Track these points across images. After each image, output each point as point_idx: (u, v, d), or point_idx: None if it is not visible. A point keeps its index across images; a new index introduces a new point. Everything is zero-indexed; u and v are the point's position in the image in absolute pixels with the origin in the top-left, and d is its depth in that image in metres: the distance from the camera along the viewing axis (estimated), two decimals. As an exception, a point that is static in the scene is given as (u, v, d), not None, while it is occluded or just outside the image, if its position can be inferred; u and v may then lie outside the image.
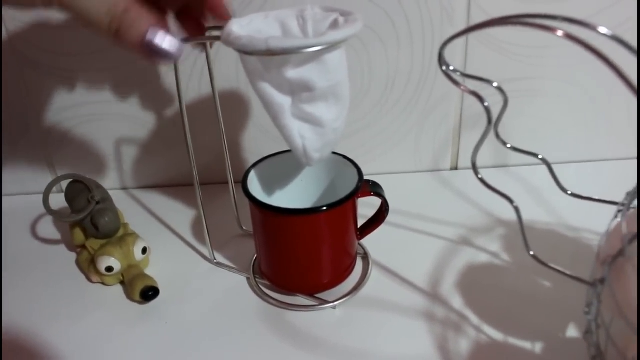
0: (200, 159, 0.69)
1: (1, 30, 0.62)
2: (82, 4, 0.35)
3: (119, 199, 0.69)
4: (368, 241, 0.56)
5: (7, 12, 0.61)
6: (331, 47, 0.39)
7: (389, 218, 0.53)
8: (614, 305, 0.36)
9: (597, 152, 0.72)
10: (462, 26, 0.62)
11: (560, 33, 0.30)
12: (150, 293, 0.52)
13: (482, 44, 0.64)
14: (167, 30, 0.37)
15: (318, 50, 0.38)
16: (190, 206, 0.68)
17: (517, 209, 0.39)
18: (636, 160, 0.73)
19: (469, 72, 0.65)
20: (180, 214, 0.67)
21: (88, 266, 0.56)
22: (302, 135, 0.44)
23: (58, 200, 0.60)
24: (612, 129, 0.71)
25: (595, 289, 0.37)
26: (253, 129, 0.69)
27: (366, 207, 0.54)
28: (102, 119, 0.68)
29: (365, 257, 0.56)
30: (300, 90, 0.42)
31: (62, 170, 0.72)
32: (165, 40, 0.37)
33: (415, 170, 0.73)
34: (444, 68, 0.38)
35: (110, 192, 0.59)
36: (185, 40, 0.44)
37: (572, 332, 0.47)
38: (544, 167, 0.49)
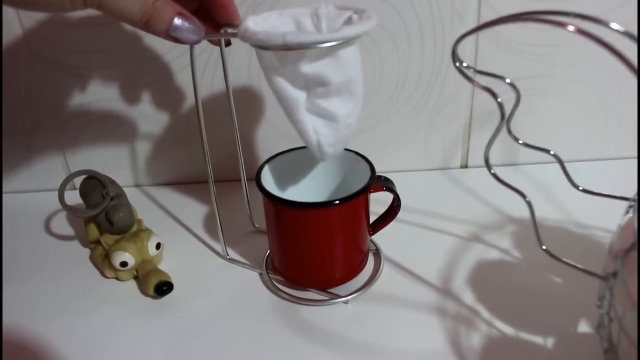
0: (212, 157, 0.69)
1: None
2: (118, 4, 0.39)
3: (133, 196, 0.70)
4: (379, 237, 0.56)
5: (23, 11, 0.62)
6: (346, 42, 0.40)
7: (400, 215, 0.54)
8: (626, 298, 0.36)
9: (606, 150, 0.73)
10: (472, 25, 0.62)
11: (571, 28, 0.30)
12: (164, 288, 0.52)
13: (492, 43, 0.64)
14: (189, 16, 0.41)
15: (333, 46, 0.39)
16: (203, 203, 0.69)
17: (529, 204, 0.39)
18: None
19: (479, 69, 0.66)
20: (194, 211, 0.67)
21: (102, 261, 0.56)
22: (317, 130, 0.45)
23: (72, 197, 0.61)
24: (621, 127, 0.71)
25: (607, 283, 0.37)
26: (265, 126, 0.69)
27: (377, 204, 0.54)
28: (116, 116, 0.69)
29: (377, 253, 0.57)
30: (315, 85, 0.42)
31: (75, 167, 0.72)
32: (187, 26, 0.41)
33: (425, 168, 0.73)
34: (457, 64, 0.38)
35: (124, 189, 0.60)
36: (203, 38, 0.45)
37: (584, 327, 0.47)
38: (553, 165, 0.49)
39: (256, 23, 0.43)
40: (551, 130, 0.71)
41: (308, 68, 0.41)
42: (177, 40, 0.41)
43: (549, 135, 0.71)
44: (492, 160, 0.70)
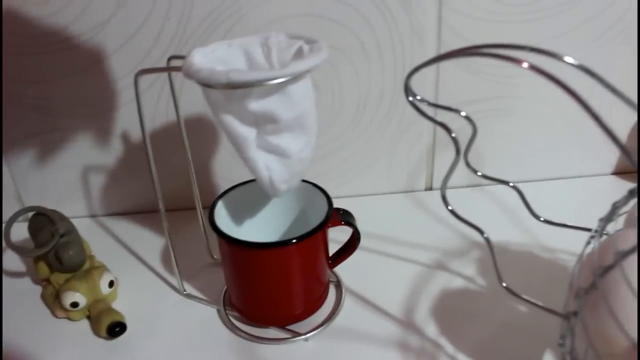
0: (170, 184, 0.68)
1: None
2: None
3: (87, 228, 0.68)
4: (341, 267, 0.54)
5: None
6: (295, 78, 0.38)
7: (362, 242, 0.53)
8: (587, 338, 0.35)
9: (571, 169, 0.72)
10: (432, 46, 0.62)
11: (525, 65, 0.29)
12: (117, 329, 0.50)
13: (454, 65, 0.63)
14: None
15: (281, 82, 0.37)
16: (160, 234, 0.66)
17: (487, 240, 0.38)
18: (612, 176, 0.73)
19: (441, 92, 0.65)
20: (150, 243, 0.65)
21: (53, 301, 0.54)
22: (268, 166, 0.43)
23: (23, 230, 0.58)
24: (586, 145, 0.70)
25: (568, 322, 0.36)
26: (224, 153, 0.67)
27: (339, 231, 0.52)
28: (67, 146, 0.66)
29: (338, 284, 0.55)
30: (264, 122, 0.41)
31: (29, 199, 0.70)
32: None
33: (389, 191, 0.72)
34: (410, 99, 0.37)
35: (79, 220, 0.58)
36: (145, 72, 0.43)
37: (549, 358, 0.46)
38: (520, 185, 0.48)
39: (203, 55, 0.41)
40: (516, 150, 0.70)
41: (256, 105, 0.39)
42: None
43: (513, 155, 0.70)
44: (455, 183, 0.70)
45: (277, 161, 0.43)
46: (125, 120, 0.65)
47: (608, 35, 0.63)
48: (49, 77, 0.62)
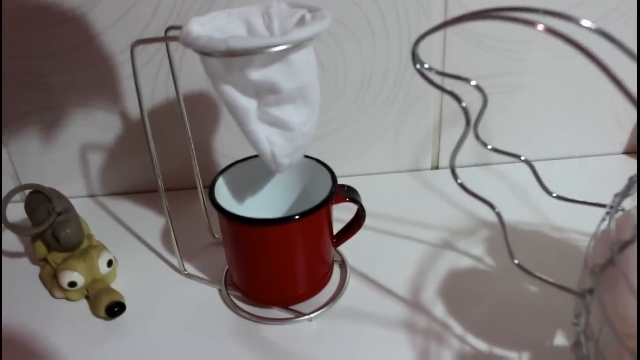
0: (170, 164, 0.66)
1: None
2: None
3: (86, 208, 0.66)
4: (345, 247, 0.53)
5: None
6: (297, 46, 0.36)
7: (368, 222, 0.51)
8: (604, 317, 0.33)
9: (582, 148, 0.70)
10: (439, 20, 0.60)
11: (541, 27, 0.27)
12: (116, 309, 0.49)
13: (462, 39, 0.61)
14: None
15: (283, 50, 0.36)
16: (160, 214, 0.65)
17: (499, 215, 0.37)
18: (622, 156, 0.71)
19: (448, 68, 0.63)
20: (151, 222, 0.63)
21: (51, 281, 0.53)
22: (270, 140, 0.41)
23: (22, 210, 0.57)
24: (596, 124, 0.69)
25: (584, 300, 0.35)
26: (224, 131, 0.66)
27: (344, 210, 0.51)
28: (65, 124, 0.65)
29: (343, 264, 0.54)
30: (265, 93, 0.39)
31: (26, 179, 0.68)
32: None
33: (395, 170, 0.70)
34: (418, 67, 0.35)
35: (78, 200, 0.57)
36: (142, 42, 0.42)
37: (561, 340, 0.45)
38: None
39: (202, 25, 0.39)
40: (525, 129, 0.68)
41: (257, 75, 0.37)
42: None
43: (522, 133, 0.68)
44: (463, 162, 0.68)
45: (279, 134, 0.41)
46: (125, 97, 0.64)
47: (613, 14, 0.61)
48: (46, 53, 0.60)
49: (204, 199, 0.56)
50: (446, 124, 0.67)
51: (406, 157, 0.69)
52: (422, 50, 0.34)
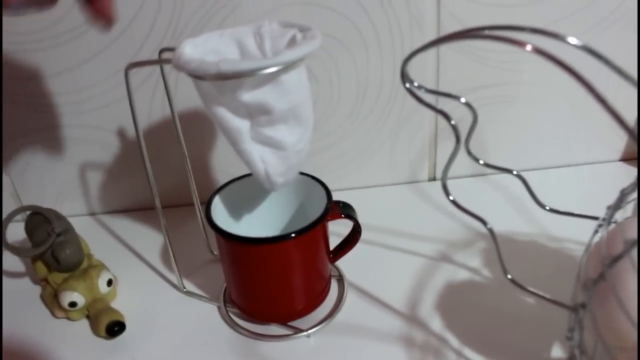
0: (168, 181, 0.67)
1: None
2: None
3: (86, 226, 0.67)
4: (343, 261, 0.53)
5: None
6: (287, 67, 0.37)
7: (365, 235, 0.51)
8: (595, 330, 0.34)
9: (578, 156, 0.71)
10: (432, 32, 0.60)
11: (529, 48, 0.28)
12: (115, 328, 0.49)
13: (456, 51, 0.62)
14: None
15: (273, 72, 0.36)
16: (159, 231, 0.65)
17: (491, 231, 0.37)
18: (619, 163, 0.71)
19: (442, 79, 0.63)
20: (149, 240, 0.64)
21: (52, 301, 0.53)
22: (264, 159, 0.42)
23: (23, 229, 0.57)
24: (592, 131, 0.69)
25: (577, 315, 0.35)
26: (221, 147, 0.66)
27: (340, 225, 0.51)
28: (64, 144, 0.66)
29: (340, 279, 0.54)
30: (257, 114, 0.39)
31: (27, 199, 0.69)
32: None
33: (392, 182, 0.70)
34: (407, 85, 0.36)
35: (77, 219, 0.57)
36: (136, 65, 0.42)
37: (557, 352, 0.45)
38: (525, 173, 0.47)
39: (195, 46, 0.40)
40: (521, 138, 0.68)
41: (248, 97, 0.38)
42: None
43: (518, 142, 0.69)
44: (458, 172, 0.69)
45: (272, 154, 0.42)
46: (122, 117, 0.64)
47: (609, 20, 0.61)
48: (43, 74, 0.61)
49: (201, 216, 0.57)
50: (442, 135, 0.67)
51: (403, 169, 0.70)
52: (416, 62, 0.34)
